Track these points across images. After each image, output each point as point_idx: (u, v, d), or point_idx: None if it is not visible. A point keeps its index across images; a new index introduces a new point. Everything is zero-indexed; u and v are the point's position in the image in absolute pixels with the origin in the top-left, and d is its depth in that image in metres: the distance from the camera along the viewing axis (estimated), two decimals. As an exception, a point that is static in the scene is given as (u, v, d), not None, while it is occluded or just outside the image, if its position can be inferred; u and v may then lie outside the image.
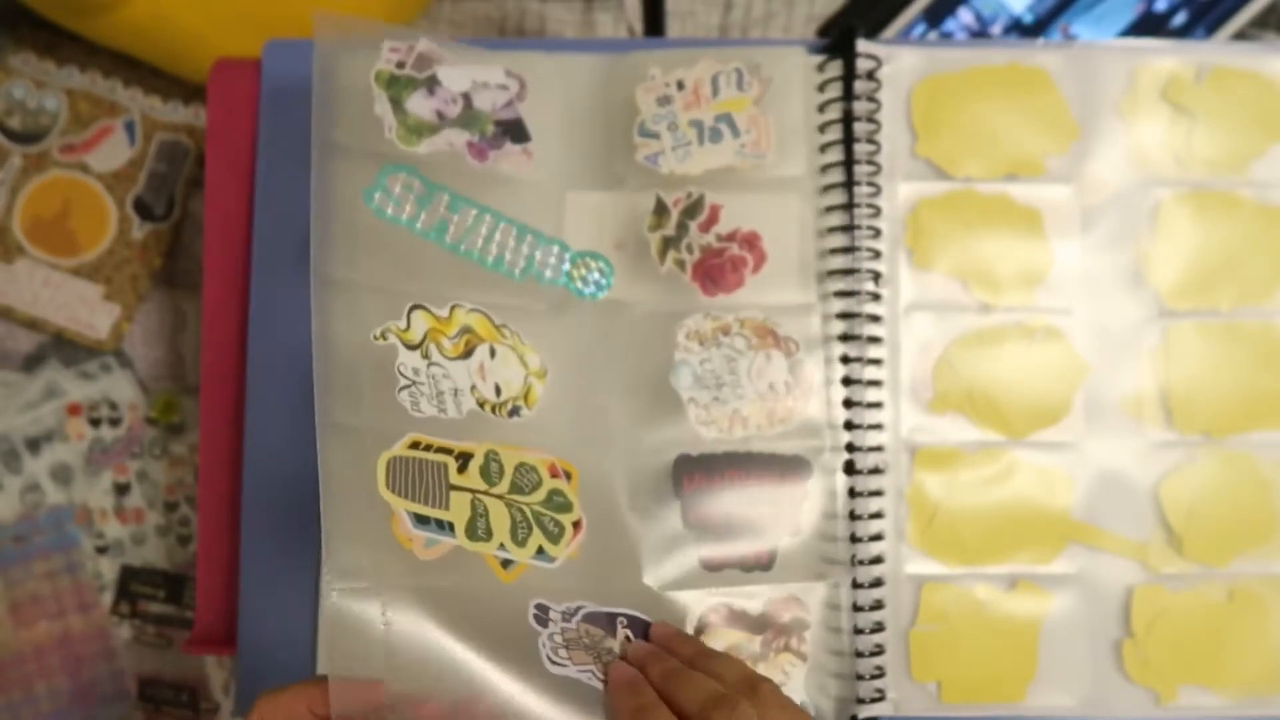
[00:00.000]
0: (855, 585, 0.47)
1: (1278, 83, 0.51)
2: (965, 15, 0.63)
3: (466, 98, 0.48)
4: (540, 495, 0.44)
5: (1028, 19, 0.63)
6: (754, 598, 0.46)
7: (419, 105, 0.47)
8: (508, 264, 0.47)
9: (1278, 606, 0.49)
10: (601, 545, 0.45)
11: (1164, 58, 0.51)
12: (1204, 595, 0.49)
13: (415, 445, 0.43)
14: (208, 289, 0.51)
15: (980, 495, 0.49)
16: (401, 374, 0.44)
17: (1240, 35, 0.62)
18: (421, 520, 0.41)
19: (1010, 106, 0.50)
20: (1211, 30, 0.62)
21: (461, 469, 0.43)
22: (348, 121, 0.46)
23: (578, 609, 0.43)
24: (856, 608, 0.47)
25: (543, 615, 0.42)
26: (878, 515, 0.48)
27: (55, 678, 0.60)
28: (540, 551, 0.43)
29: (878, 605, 0.47)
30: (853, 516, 0.47)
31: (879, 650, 0.47)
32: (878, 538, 0.48)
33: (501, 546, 0.43)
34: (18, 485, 0.61)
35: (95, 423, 0.62)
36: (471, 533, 0.42)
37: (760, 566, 0.46)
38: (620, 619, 0.44)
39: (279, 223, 0.50)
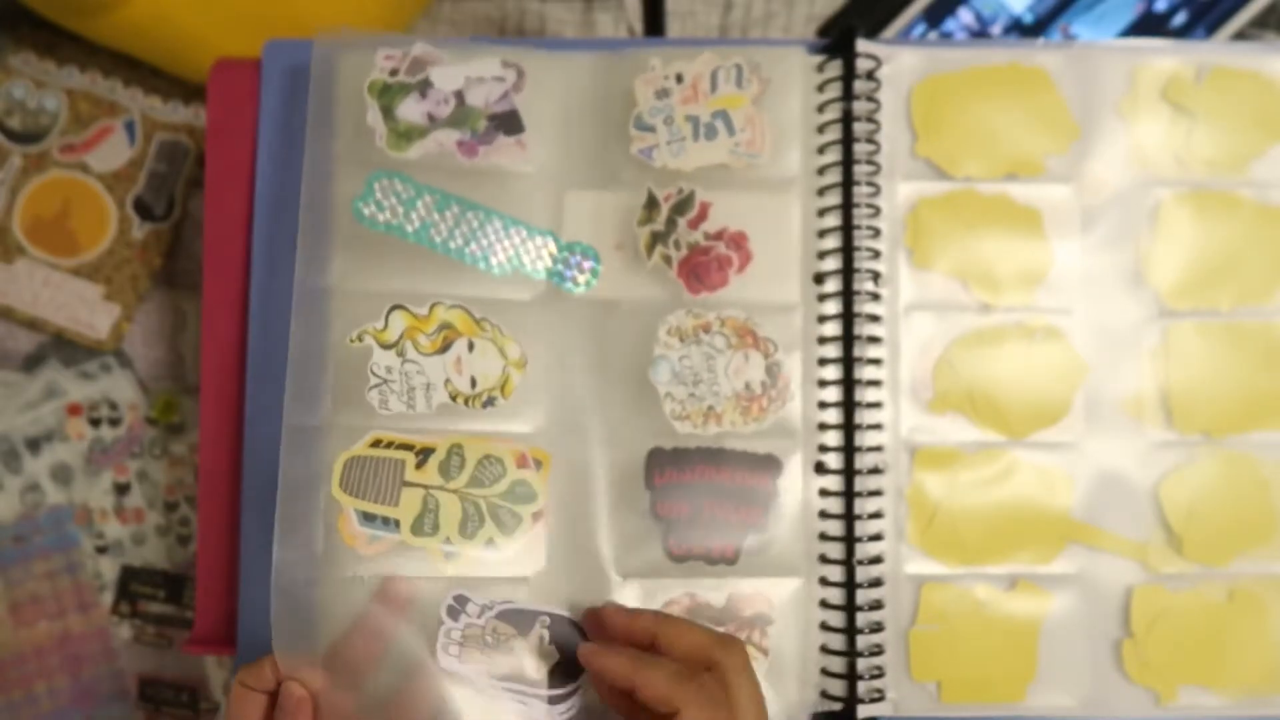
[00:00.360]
0: (855, 585, 0.47)
1: (1278, 83, 0.51)
2: (965, 15, 0.63)
3: (459, 95, 0.48)
4: (501, 487, 0.46)
5: (1028, 19, 0.63)
6: (717, 590, 0.47)
7: (410, 110, 0.48)
8: (494, 261, 0.48)
9: (1278, 606, 0.49)
10: (565, 533, 0.47)
11: (1164, 58, 0.51)
12: (1204, 595, 0.49)
13: (376, 443, 0.46)
14: (208, 289, 0.51)
15: (980, 495, 0.49)
16: (374, 373, 0.46)
17: (1240, 35, 0.62)
18: (368, 518, 0.45)
19: (1010, 106, 0.50)
20: (1211, 30, 0.62)
21: (420, 464, 0.46)
22: (341, 134, 0.48)
23: (497, 605, 0.45)
24: (856, 607, 0.47)
25: (458, 607, 0.44)
26: (877, 515, 0.48)
27: (55, 678, 0.61)
28: (490, 543, 0.45)
29: (877, 605, 0.47)
30: (852, 516, 0.47)
31: (878, 650, 0.47)
32: (877, 538, 0.48)
33: (448, 540, 0.45)
34: (18, 485, 0.61)
35: (95, 423, 0.62)
36: (417, 528, 0.45)
37: (725, 560, 0.47)
38: (542, 618, 0.45)
39: (279, 223, 0.50)
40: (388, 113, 0.48)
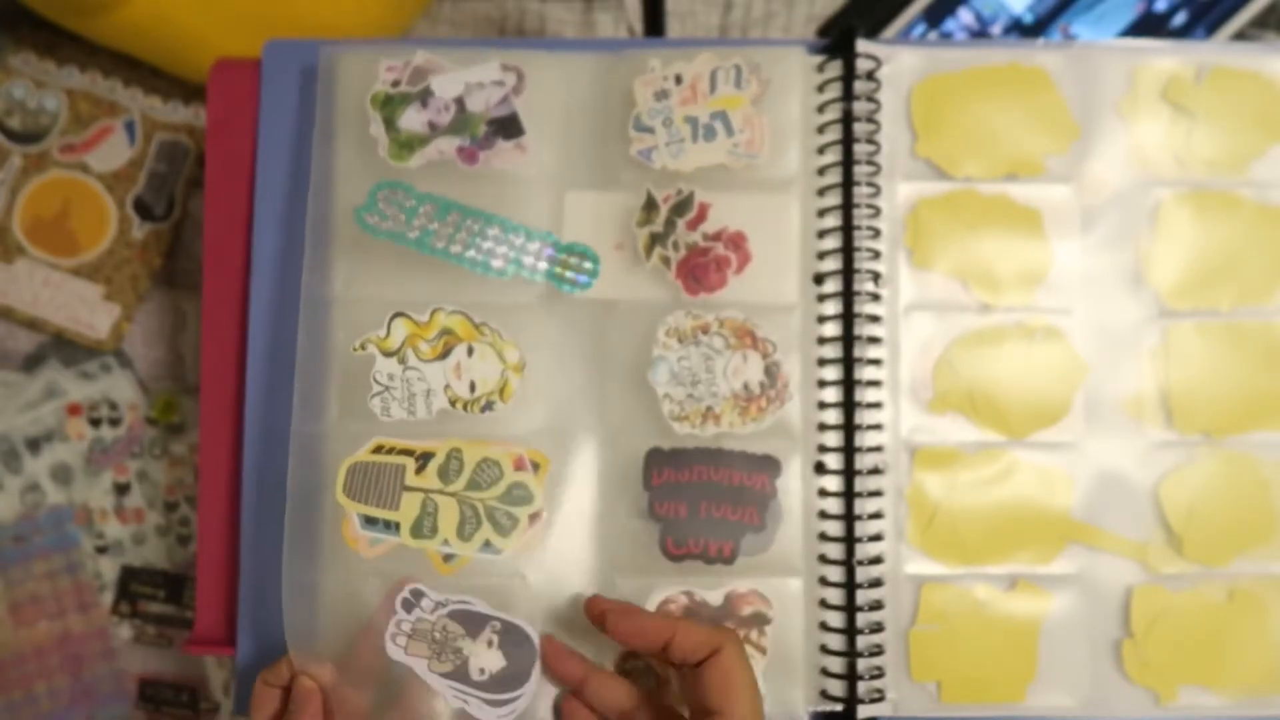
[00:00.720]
0: (855, 585, 0.47)
1: (1278, 83, 0.51)
2: (965, 15, 0.63)
3: (459, 102, 0.49)
4: (499, 490, 0.47)
5: (1028, 19, 0.63)
6: (714, 590, 0.47)
7: (411, 119, 0.49)
8: (494, 265, 0.48)
9: (1278, 606, 0.49)
10: (563, 534, 0.47)
11: (1164, 58, 0.51)
12: (1204, 595, 0.49)
13: (378, 449, 0.47)
14: (208, 289, 0.51)
15: (980, 495, 0.49)
16: (376, 381, 0.47)
17: (1240, 35, 0.62)
18: (370, 521, 0.46)
19: (1010, 106, 0.50)
20: (1211, 30, 0.62)
21: (420, 469, 0.47)
22: (344, 145, 0.49)
23: (451, 603, 0.45)
24: (856, 608, 0.47)
25: (413, 601, 0.45)
26: (877, 515, 0.48)
27: (55, 678, 0.61)
28: (487, 544, 0.46)
29: (877, 605, 0.47)
30: (852, 516, 0.47)
31: (878, 650, 0.47)
32: (878, 538, 0.48)
33: (445, 542, 0.46)
34: (18, 485, 0.61)
35: (95, 423, 0.62)
36: (416, 531, 0.46)
37: (722, 560, 0.47)
38: (493, 623, 0.45)
39: (279, 222, 0.50)
40: (390, 124, 0.49)
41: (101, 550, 0.61)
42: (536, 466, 0.47)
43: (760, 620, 0.47)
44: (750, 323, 0.48)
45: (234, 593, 0.49)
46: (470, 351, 0.48)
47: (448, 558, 0.46)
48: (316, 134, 0.49)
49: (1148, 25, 0.62)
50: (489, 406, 0.47)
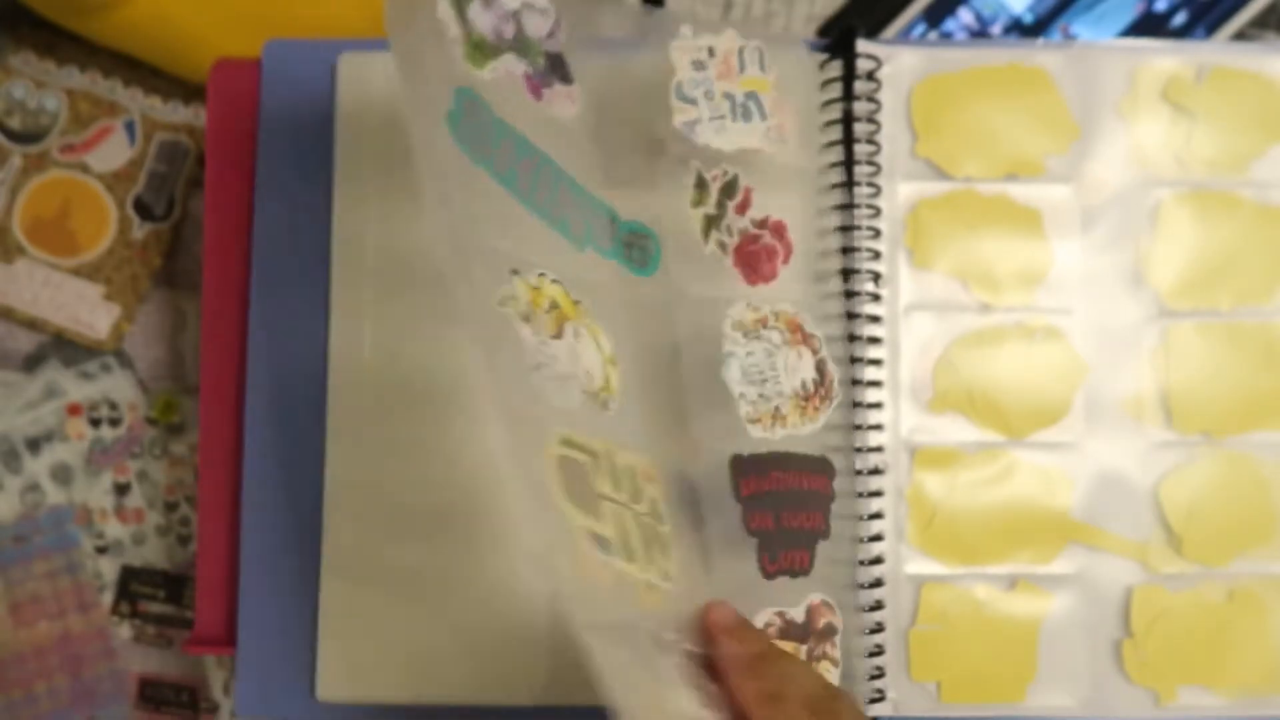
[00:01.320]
0: (855, 585, 0.47)
1: (1278, 83, 0.51)
2: (965, 15, 0.63)
3: (517, 18, 0.41)
4: (644, 505, 0.37)
5: (1028, 19, 0.63)
6: (797, 605, 0.44)
7: (478, 16, 0.40)
8: (572, 231, 0.40)
9: (1278, 606, 0.49)
10: (687, 559, 0.40)
11: (1164, 58, 0.51)
12: (1204, 595, 0.49)
13: (567, 443, 0.35)
14: (208, 289, 0.51)
15: (980, 495, 0.49)
16: (528, 350, 0.36)
17: (1240, 35, 0.62)
18: (600, 541, 0.34)
19: (1010, 106, 0.50)
20: (1211, 30, 0.62)
21: (593, 472, 0.36)
22: (415, 36, 0.37)
23: (680, 642, 0.37)
24: (855, 608, 0.47)
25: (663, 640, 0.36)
26: (877, 515, 0.48)
27: (55, 678, 0.60)
28: (665, 574, 0.36)
29: (877, 605, 0.47)
30: (853, 517, 0.47)
31: (879, 650, 0.47)
32: (878, 538, 0.48)
33: (652, 565, 0.36)
34: (18, 485, 0.61)
35: (95, 423, 0.62)
36: (627, 553, 0.35)
37: (802, 572, 0.44)
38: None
39: (279, 223, 0.50)
40: (460, 12, 0.39)
41: (101, 550, 0.61)
42: (651, 478, 0.39)
43: (831, 631, 0.45)
44: (799, 317, 0.46)
45: (234, 593, 0.49)
46: (576, 334, 0.38)
47: (650, 587, 0.35)
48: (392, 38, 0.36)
49: (1148, 25, 0.62)
50: (606, 404, 0.39)
